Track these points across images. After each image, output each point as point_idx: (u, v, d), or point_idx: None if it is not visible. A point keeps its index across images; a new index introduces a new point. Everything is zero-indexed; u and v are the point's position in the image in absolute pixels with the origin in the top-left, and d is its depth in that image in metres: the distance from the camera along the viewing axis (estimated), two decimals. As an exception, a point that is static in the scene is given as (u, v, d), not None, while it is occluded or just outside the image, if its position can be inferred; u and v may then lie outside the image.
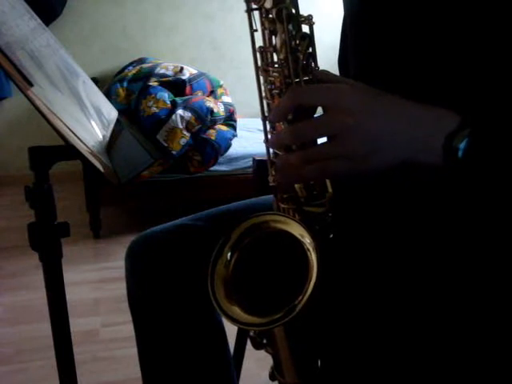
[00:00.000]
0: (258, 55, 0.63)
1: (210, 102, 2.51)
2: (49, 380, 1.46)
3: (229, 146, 2.55)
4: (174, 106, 2.42)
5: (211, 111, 2.47)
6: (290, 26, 0.58)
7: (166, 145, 2.34)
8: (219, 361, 0.87)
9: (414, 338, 0.63)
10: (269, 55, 0.62)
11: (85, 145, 0.75)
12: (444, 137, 0.54)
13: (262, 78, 0.63)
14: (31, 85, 0.69)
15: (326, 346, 0.66)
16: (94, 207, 2.45)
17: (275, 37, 0.61)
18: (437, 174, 0.56)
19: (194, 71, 2.71)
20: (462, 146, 0.53)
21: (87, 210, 2.47)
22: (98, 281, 2.08)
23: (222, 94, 2.72)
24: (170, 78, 2.60)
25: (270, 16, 0.60)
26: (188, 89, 2.59)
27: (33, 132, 3.04)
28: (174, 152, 2.35)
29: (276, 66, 0.61)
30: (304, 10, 0.59)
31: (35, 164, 0.75)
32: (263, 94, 0.64)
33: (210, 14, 3.22)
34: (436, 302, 0.63)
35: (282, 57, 0.60)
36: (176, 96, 2.51)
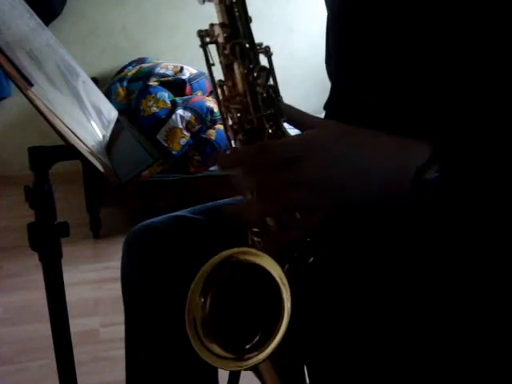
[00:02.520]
0: (219, 89, 0.60)
1: (209, 102, 2.51)
2: (48, 380, 1.46)
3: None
4: (174, 105, 2.42)
5: (211, 111, 2.46)
6: (247, 61, 0.56)
7: (166, 145, 2.34)
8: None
9: (403, 357, 0.62)
10: (231, 89, 0.59)
11: (85, 145, 0.74)
12: (413, 172, 0.54)
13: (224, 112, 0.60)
14: (31, 85, 0.68)
15: (313, 360, 0.65)
16: (94, 207, 2.45)
17: (233, 71, 0.58)
18: (407, 208, 0.57)
19: (194, 71, 2.71)
20: (431, 179, 0.53)
21: (87, 210, 2.47)
22: (98, 281, 2.08)
23: (222, 94, 2.72)
24: (170, 78, 2.60)
25: (225, 51, 0.57)
26: (188, 89, 2.58)
27: (33, 132, 3.03)
28: (174, 152, 2.35)
29: (237, 99, 0.58)
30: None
31: (35, 164, 0.75)
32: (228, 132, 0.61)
33: (210, 14, 3.21)
34: (426, 317, 0.63)
35: (240, 92, 0.57)
36: (176, 96, 2.51)
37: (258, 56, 0.57)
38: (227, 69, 0.58)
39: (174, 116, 2.37)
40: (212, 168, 2.49)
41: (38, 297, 1.65)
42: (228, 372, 0.97)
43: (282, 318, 0.55)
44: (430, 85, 0.63)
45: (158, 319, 0.83)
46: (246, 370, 0.62)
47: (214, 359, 0.57)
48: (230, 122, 0.60)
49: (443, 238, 0.61)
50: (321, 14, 3.54)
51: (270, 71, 0.57)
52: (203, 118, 2.43)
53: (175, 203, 2.54)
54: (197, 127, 2.41)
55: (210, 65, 0.60)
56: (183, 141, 2.37)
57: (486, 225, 0.59)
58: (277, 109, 0.57)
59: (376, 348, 0.63)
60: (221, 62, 0.59)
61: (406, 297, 0.64)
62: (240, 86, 0.57)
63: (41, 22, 0.89)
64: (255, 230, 0.61)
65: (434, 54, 0.62)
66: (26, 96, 0.68)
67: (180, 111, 2.39)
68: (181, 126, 2.37)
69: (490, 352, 0.61)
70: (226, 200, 0.90)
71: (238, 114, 0.58)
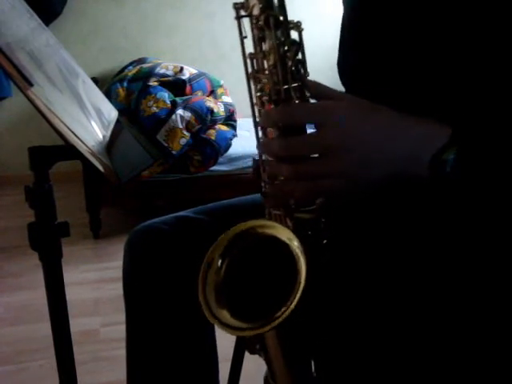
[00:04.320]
0: (249, 62, 0.62)
1: (210, 102, 2.51)
2: (49, 380, 1.46)
3: (229, 145, 2.55)
4: (174, 105, 2.42)
5: (211, 111, 2.47)
6: (279, 33, 0.58)
7: (166, 145, 2.34)
8: (204, 357, 0.87)
9: (408, 347, 0.63)
10: (260, 62, 0.62)
11: (85, 145, 0.75)
12: (432, 152, 0.54)
13: (252, 84, 0.63)
14: (31, 85, 0.68)
15: (320, 352, 0.66)
16: (94, 207, 2.45)
17: (265, 43, 0.60)
18: (425, 187, 0.57)
19: (194, 71, 2.71)
20: (449, 160, 0.54)
21: (87, 210, 2.47)
22: (98, 281, 2.08)
23: (222, 94, 2.72)
24: (170, 78, 2.60)
25: (259, 23, 0.59)
26: (188, 89, 2.58)
27: (33, 132, 3.04)
28: (174, 152, 2.35)
29: (266, 72, 0.60)
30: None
31: (35, 164, 0.75)
32: (254, 101, 0.63)
33: (210, 14, 3.22)
34: (430, 308, 0.63)
35: (271, 63, 0.59)
36: (176, 96, 2.51)
37: (289, 31, 0.59)
38: (259, 41, 0.60)
39: (173, 116, 2.37)
40: (212, 168, 2.49)
41: (38, 296, 1.66)
42: (228, 372, 0.97)
43: (297, 287, 0.56)
44: (448, 74, 0.63)
45: (159, 319, 0.83)
46: (251, 350, 0.62)
47: (222, 325, 0.57)
48: (258, 94, 0.62)
49: (452, 223, 0.62)
50: (323, 14, 3.53)
51: (300, 45, 0.59)
52: (203, 118, 2.43)
53: (175, 203, 2.55)
54: (197, 127, 2.41)
55: (242, 37, 0.62)
56: (183, 141, 2.37)
57: (495, 217, 0.59)
58: (304, 82, 0.59)
59: (381, 342, 0.64)
60: (253, 35, 0.61)
61: (409, 292, 0.64)
62: (271, 57, 0.59)
63: (41, 22, 0.89)
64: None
65: (452, 44, 0.62)
66: (26, 96, 0.68)
67: (180, 111, 2.39)
68: (181, 126, 2.37)
69: (490, 352, 0.61)
70: (229, 201, 0.90)
71: (267, 86, 0.60)
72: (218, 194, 2.43)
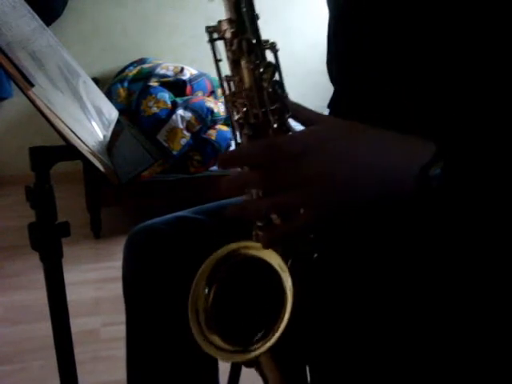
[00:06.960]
0: (226, 85, 0.61)
1: (210, 103, 2.51)
2: (49, 380, 1.46)
3: (229, 146, 2.55)
4: (175, 106, 2.42)
5: (211, 111, 2.47)
6: (253, 56, 0.57)
7: (166, 145, 2.34)
8: (204, 357, 0.87)
9: (406, 355, 0.63)
10: (237, 84, 0.60)
11: (85, 145, 0.75)
12: (417, 169, 0.53)
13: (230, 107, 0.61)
14: (32, 85, 0.69)
15: (315, 367, 0.66)
16: (95, 207, 2.46)
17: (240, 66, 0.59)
18: (410, 204, 0.56)
19: (195, 71, 2.71)
20: (435, 176, 0.53)
21: (87, 210, 2.48)
22: (99, 281, 2.09)
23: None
24: (171, 79, 2.60)
25: (233, 47, 0.58)
26: (188, 89, 2.59)
27: (33, 132, 3.04)
28: (174, 152, 2.35)
29: (244, 94, 0.59)
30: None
31: (36, 164, 0.76)
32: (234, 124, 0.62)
33: (210, 15, 3.22)
34: (426, 312, 0.63)
35: (247, 86, 0.58)
36: (176, 96, 2.52)
37: (264, 52, 0.58)
38: (234, 64, 0.59)
39: (174, 116, 2.37)
40: (212, 168, 2.50)
41: (38, 297, 1.66)
42: (229, 371, 0.97)
43: (284, 310, 0.55)
44: (432, 86, 0.63)
45: (159, 319, 0.83)
46: (247, 364, 0.62)
47: (215, 351, 0.57)
48: (236, 117, 0.60)
49: (444, 236, 0.61)
50: (319, 14, 3.54)
51: (275, 67, 0.57)
52: (203, 118, 2.43)
53: (175, 203, 2.55)
54: (197, 127, 2.42)
55: (217, 60, 0.61)
56: (183, 141, 2.37)
57: (486, 222, 0.59)
58: (282, 104, 0.58)
59: (377, 347, 0.64)
60: (228, 58, 0.60)
61: (407, 296, 0.64)
62: (246, 80, 0.58)
63: (42, 22, 0.89)
64: (260, 224, 0.61)
65: (437, 55, 0.62)
66: (27, 96, 0.69)
67: (180, 111, 2.40)
68: (181, 127, 2.37)
69: (490, 352, 0.61)
70: (228, 201, 0.90)
71: (244, 109, 0.59)
72: (218, 194, 2.43)
